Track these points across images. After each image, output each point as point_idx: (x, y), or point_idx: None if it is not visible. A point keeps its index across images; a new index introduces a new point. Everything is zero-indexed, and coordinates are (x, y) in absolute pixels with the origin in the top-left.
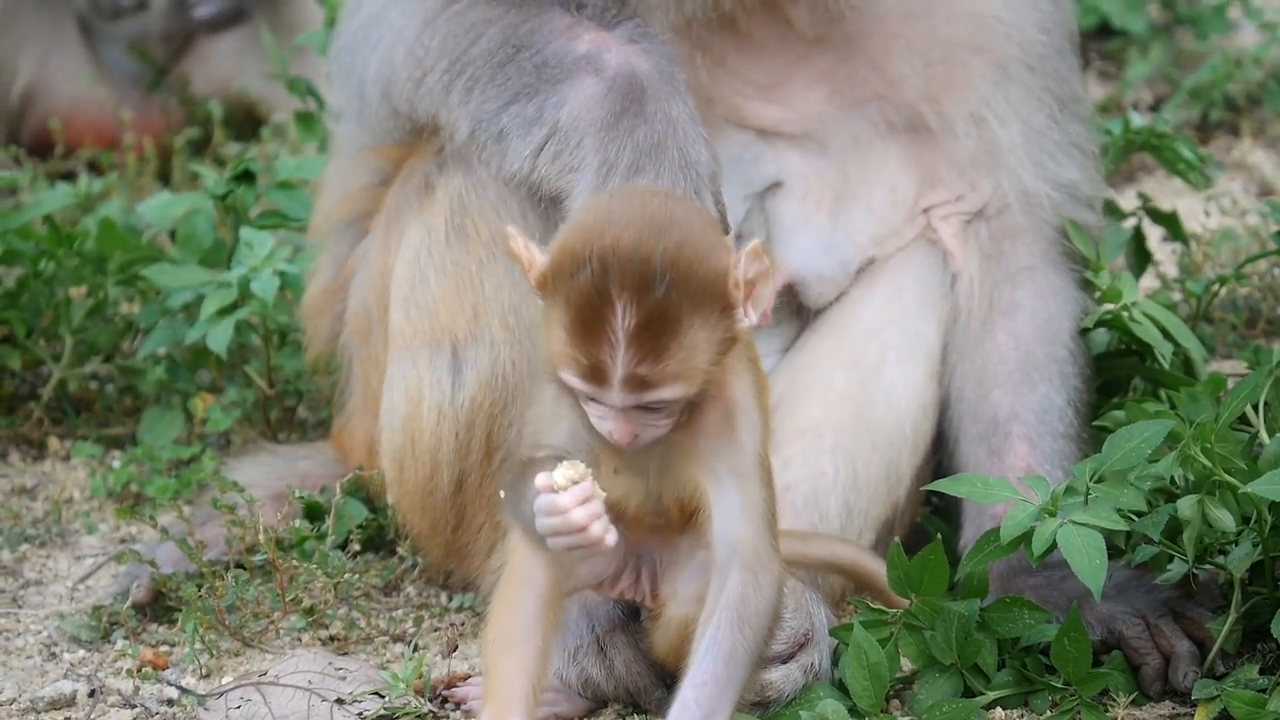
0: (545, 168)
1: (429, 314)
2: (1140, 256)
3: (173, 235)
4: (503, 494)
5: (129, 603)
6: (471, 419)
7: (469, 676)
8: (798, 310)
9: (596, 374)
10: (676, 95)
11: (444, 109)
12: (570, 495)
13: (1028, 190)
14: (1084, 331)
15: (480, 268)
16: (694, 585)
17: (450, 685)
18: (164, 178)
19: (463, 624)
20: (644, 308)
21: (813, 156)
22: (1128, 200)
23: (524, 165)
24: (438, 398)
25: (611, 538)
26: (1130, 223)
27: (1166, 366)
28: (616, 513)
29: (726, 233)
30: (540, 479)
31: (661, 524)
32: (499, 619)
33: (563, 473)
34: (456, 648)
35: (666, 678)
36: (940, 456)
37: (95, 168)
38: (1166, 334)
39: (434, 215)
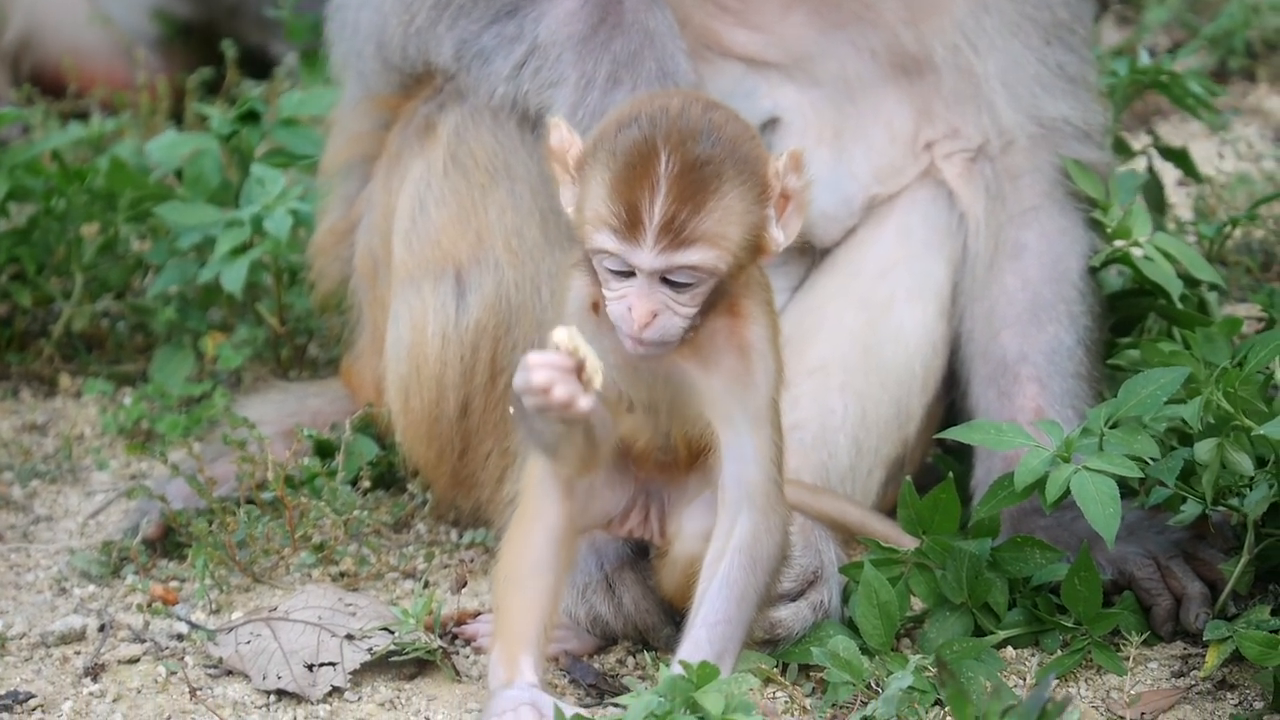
0: (527, 84)
1: (431, 244)
2: (1156, 195)
3: (180, 175)
4: (512, 410)
5: (139, 538)
6: (476, 342)
7: (479, 613)
8: (806, 249)
9: (632, 224)
10: (654, 6)
11: (432, 42)
12: (541, 357)
13: (1005, 127)
14: (1094, 270)
15: (482, 194)
16: (700, 523)
17: (460, 622)
18: (177, 118)
19: (472, 561)
20: (688, 157)
21: (807, 89)
22: (1141, 143)
23: (508, 85)
24: (442, 322)
25: (584, 403)
26: (1141, 162)
27: (1177, 304)
28: (625, 448)
29: None
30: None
31: (669, 461)
32: (511, 555)
33: (558, 335)
34: (466, 584)
35: (675, 615)
36: (953, 397)
37: (109, 108)
38: (1178, 270)
39: (433, 151)
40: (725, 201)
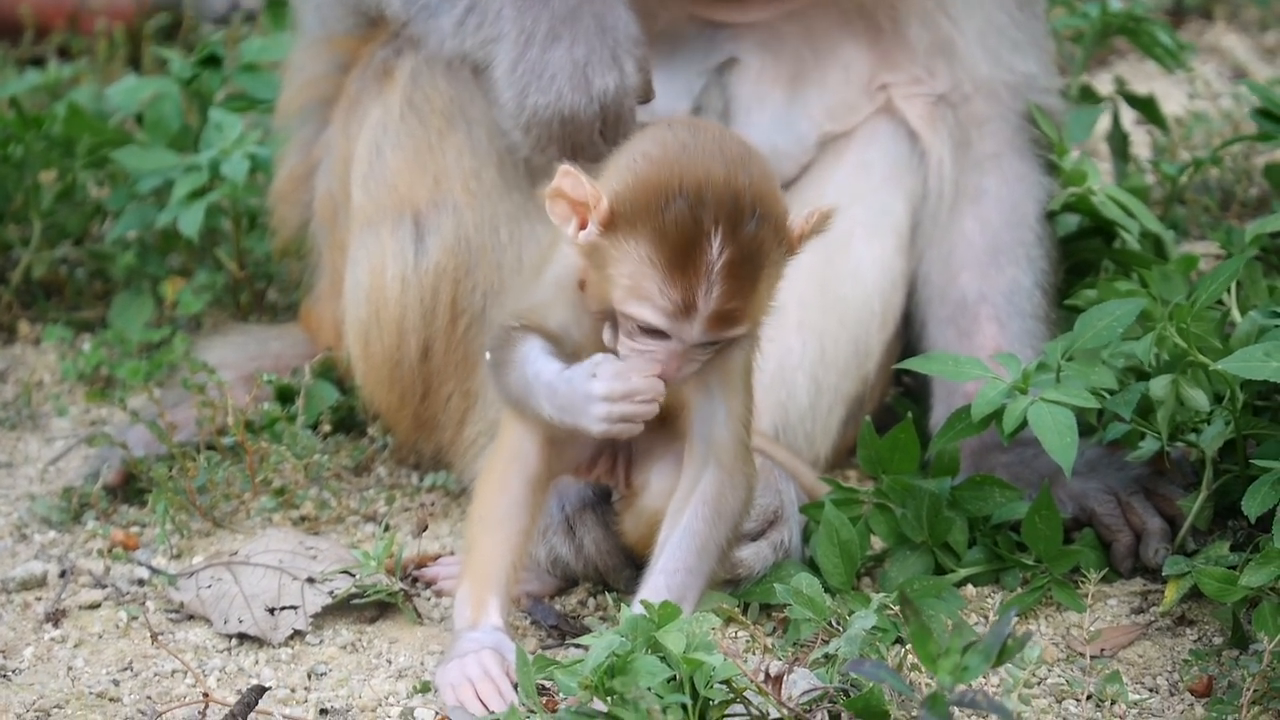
0: (469, 39)
1: (388, 188)
2: (1119, 138)
3: (140, 120)
4: (488, 356)
5: (99, 484)
6: (436, 284)
7: (439, 556)
8: None
9: (684, 309)
10: None
11: None
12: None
13: (985, 79)
14: (1050, 215)
15: (439, 138)
16: (668, 479)
17: (421, 565)
18: (134, 63)
19: (433, 504)
20: (738, 243)
21: (768, 39)
22: (1102, 84)
23: (453, 40)
24: (400, 266)
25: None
26: (1107, 112)
27: (1136, 245)
28: None
29: (650, 99)
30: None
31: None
32: (485, 497)
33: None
34: (427, 527)
35: (635, 558)
36: (908, 339)
37: (66, 53)
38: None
39: (390, 95)
40: (765, 278)
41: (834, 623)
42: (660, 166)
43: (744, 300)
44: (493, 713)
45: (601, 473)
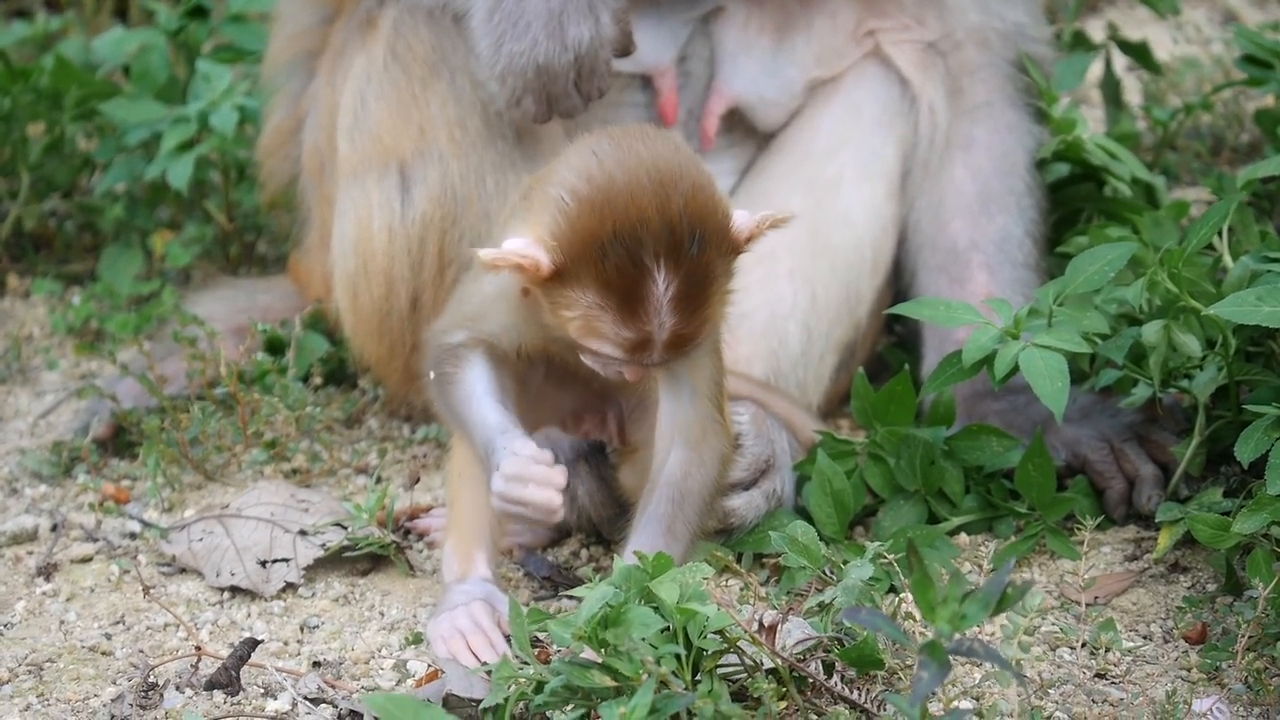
0: None
1: (372, 139)
2: (1111, 85)
3: (127, 71)
4: (432, 375)
5: (90, 438)
6: (423, 235)
7: (431, 508)
8: (752, 131)
9: (641, 345)
10: None
11: None
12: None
13: (975, 27)
14: (1040, 164)
15: (424, 87)
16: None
17: (413, 516)
18: (121, 14)
19: (425, 456)
20: (682, 272)
21: None
22: (1095, 31)
23: None
24: (387, 217)
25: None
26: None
27: (1128, 192)
28: (564, 371)
29: (630, 52)
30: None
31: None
32: (462, 452)
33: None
34: (419, 479)
35: (629, 508)
36: (899, 288)
37: (52, 5)
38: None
39: (374, 46)
40: (715, 291)
41: (828, 571)
42: (591, 209)
43: (699, 321)
44: (485, 664)
45: (590, 428)
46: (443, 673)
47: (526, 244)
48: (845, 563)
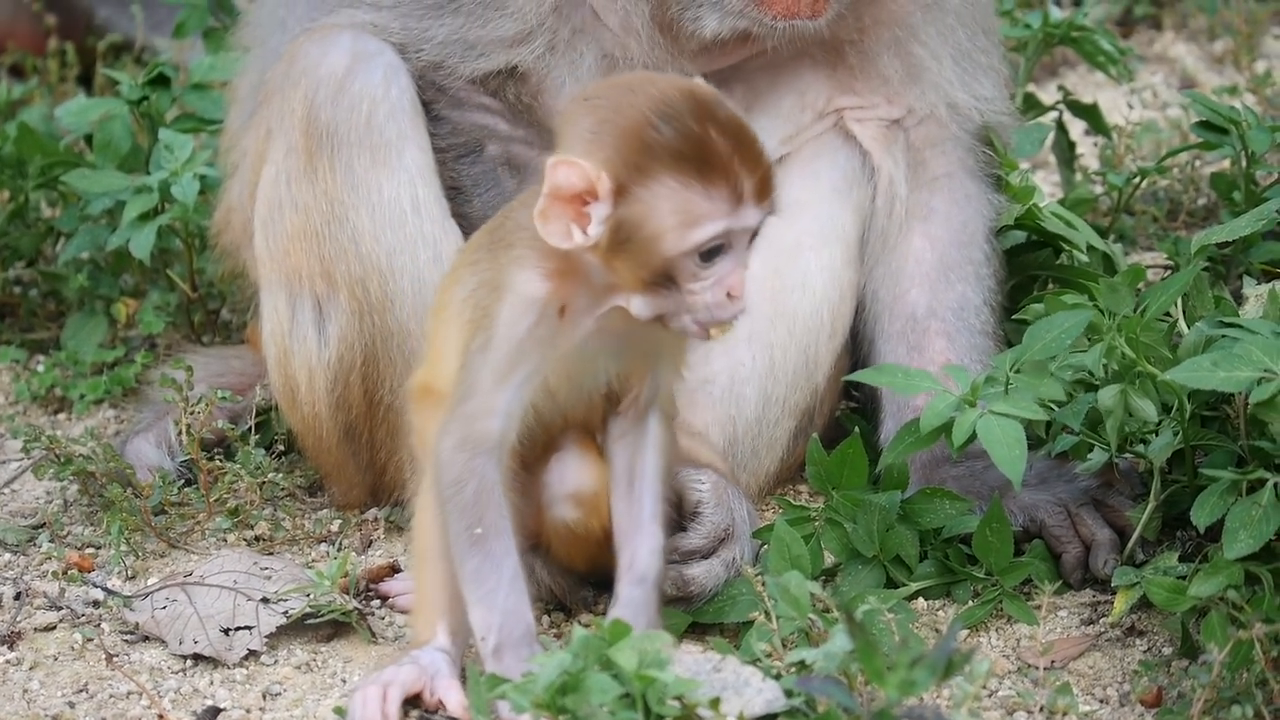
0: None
1: (282, 252)
2: (1065, 149)
3: (89, 140)
4: (478, 530)
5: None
6: (346, 375)
7: (394, 569)
8: None
9: (736, 195)
10: None
11: None
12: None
13: (948, 103)
14: (999, 232)
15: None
16: (569, 484)
17: (375, 579)
18: (85, 81)
19: (376, 520)
20: (724, 116)
21: (729, 79)
22: (1049, 95)
23: None
24: (306, 356)
25: None
26: (1051, 116)
27: (1084, 258)
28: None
29: None
30: None
31: (581, 416)
32: (421, 536)
33: None
34: (371, 544)
35: (589, 578)
36: (858, 356)
37: (16, 72)
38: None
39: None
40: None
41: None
42: (622, 114)
43: (764, 151)
44: None
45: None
46: None
47: (578, 170)
48: (828, 613)
